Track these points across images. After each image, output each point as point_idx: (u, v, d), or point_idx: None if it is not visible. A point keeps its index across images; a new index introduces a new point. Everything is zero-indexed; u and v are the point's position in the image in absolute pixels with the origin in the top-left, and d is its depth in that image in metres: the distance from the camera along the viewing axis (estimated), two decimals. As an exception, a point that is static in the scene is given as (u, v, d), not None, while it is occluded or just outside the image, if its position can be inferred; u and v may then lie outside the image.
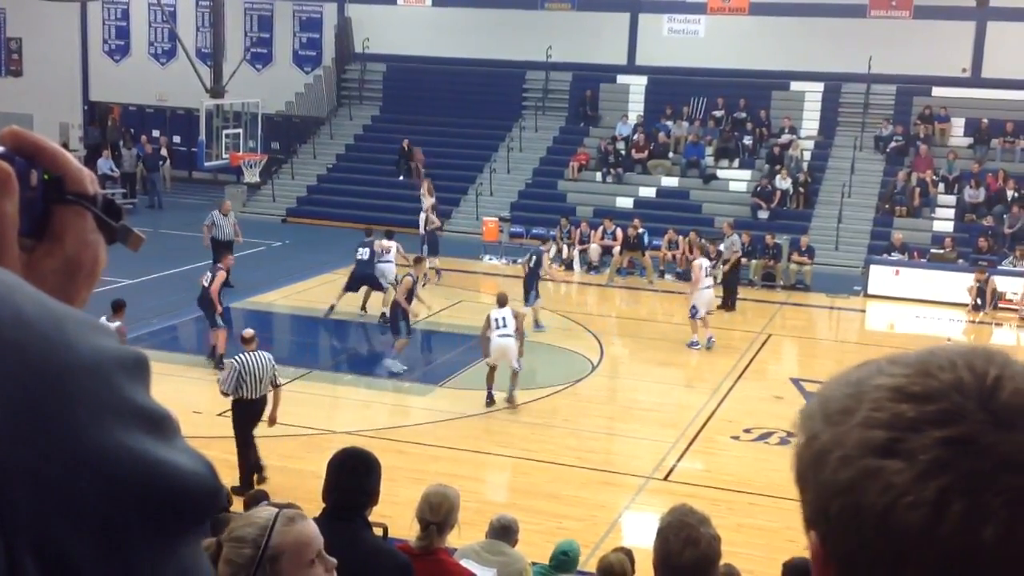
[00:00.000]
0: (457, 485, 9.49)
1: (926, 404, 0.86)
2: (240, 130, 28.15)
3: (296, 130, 32.66)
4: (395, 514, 7.03)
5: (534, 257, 18.89)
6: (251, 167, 28.31)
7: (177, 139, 34.24)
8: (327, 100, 33.77)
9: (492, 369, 14.48)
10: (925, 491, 0.83)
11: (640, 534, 9.40)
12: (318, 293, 20.42)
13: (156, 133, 34.27)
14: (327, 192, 29.96)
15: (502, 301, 14.78)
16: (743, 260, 23.42)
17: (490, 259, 25.10)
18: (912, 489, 0.84)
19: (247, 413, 11.57)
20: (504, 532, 7.15)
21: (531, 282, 18.63)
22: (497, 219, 25.89)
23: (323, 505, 4.59)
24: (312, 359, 17.07)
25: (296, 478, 11.34)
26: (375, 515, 4.77)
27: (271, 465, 11.93)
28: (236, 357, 11.68)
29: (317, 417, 14.01)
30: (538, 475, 12.39)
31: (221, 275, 16.25)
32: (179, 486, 0.79)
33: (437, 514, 5.27)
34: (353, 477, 4.59)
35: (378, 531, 6.09)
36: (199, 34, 33.99)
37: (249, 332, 12.11)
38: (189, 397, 13.43)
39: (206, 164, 28.08)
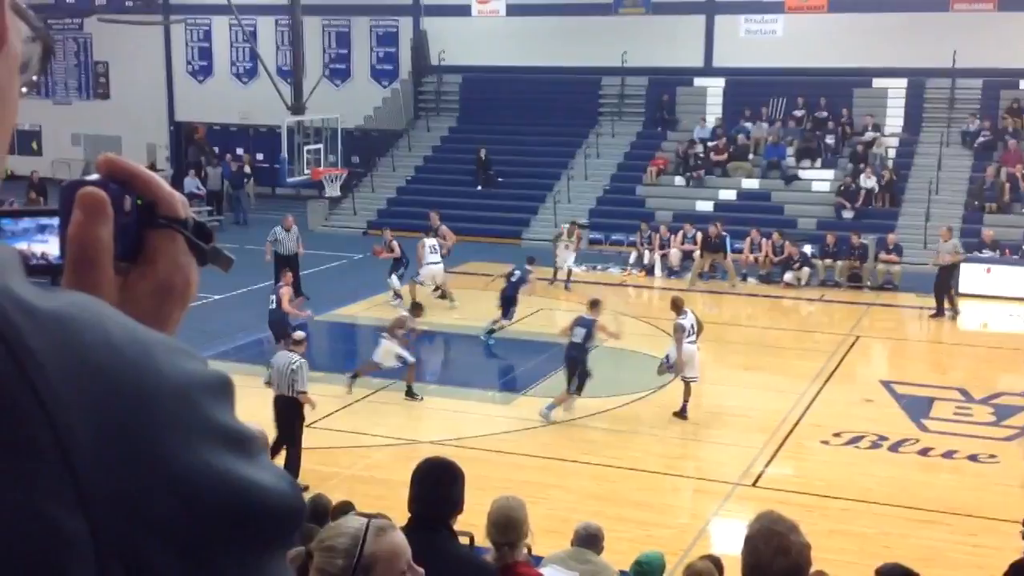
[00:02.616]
0: (542, 494, 9.47)
1: None
2: (320, 145, 28.59)
3: (375, 144, 33.04)
4: (481, 523, 7.00)
5: (517, 273, 18.68)
6: (332, 181, 28.72)
7: (260, 156, 34.87)
8: (404, 113, 34.10)
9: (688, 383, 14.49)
10: None
11: (728, 542, 9.26)
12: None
13: (240, 151, 34.95)
14: (407, 204, 30.19)
15: (679, 305, 14.85)
16: (829, 261, 23.06)
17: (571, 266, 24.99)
18: None
19: (274, 408, 12.12)
20: (590, 540, 7.12)
21: (509, 299, 18.30)
22: (576, 226, 25.81)
23: (408, 515, 4.60)
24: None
25: (384, 488, 11.42)
26: (461, 524, 4.76)
27: (359, 476, 12.03)
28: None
29: (402, 427, 14.12)
30: (624, 483, 12.30)
31: (285, 291, 16.62)
32: (262, 503, 0.81)
33: (505, 534, 5.23)
34: (438, 487, 4.59)
35: (464, 540, 6.10)
36: (279, 52, 34.63)
37: (299, 335, 12.84)
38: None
39: (289, 180, 28.57)
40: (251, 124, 35.59)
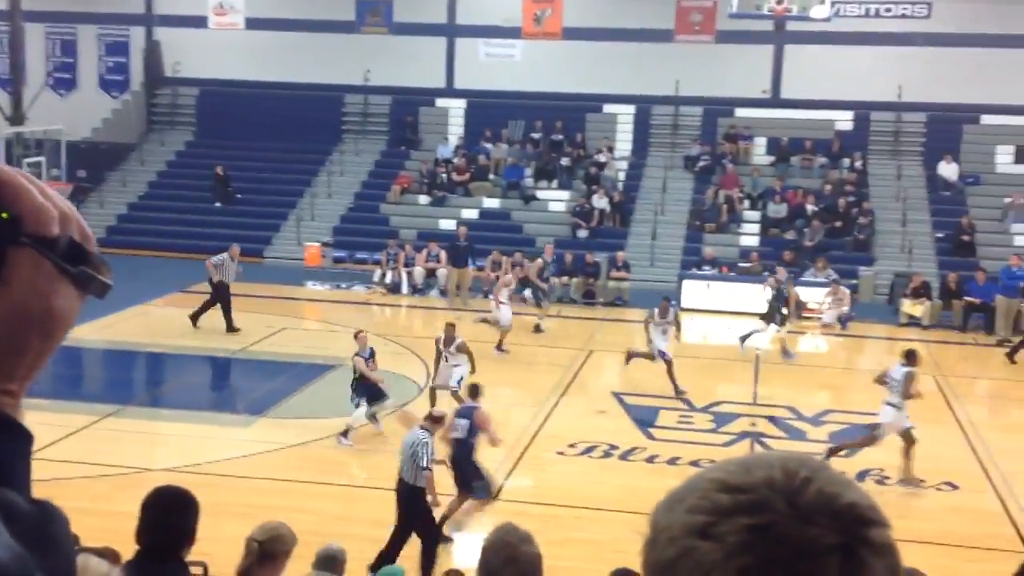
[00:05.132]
0: (284, 518, 9.28)
1: (740, 495, 0.98)
2: (42, 158, 26.90)
3: (104, 157, 31.39)
4: (217, 551, 6.83)
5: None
6: (56, 196, 27.04)
7: (-26, 168, 32.35)
8: (136, 126, 32.65)
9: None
10: (728, 569, 0.95)
11: (470, 555, 9.44)
12: (131, 325, 19.66)
13: (-50, 162, 32.29)
14: (140, 220, 28.92)
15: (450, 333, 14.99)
16: (566, 279, 23.96)
17: (313, 285, 24.78)
18: (718, 567, 0.95)
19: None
20: (329, 562, 7.07)
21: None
22: (319, 244, 25.61)
23: (137, 547, 4.44)
24: (125, 394, 16.41)
25: (110, 520, 10.85)
26: (196, 554, 4.63)
27: (81, 508, 11.37)
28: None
29: (131, 455, 13.47)
30: (368, 503, 12.27)
31: (358, 361, 15.41)
32: None
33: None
34: (168, 516, 4.46)
35: (196, 571, 5.92)
36: (-3, 59, 32.34)
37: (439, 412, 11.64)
38: None
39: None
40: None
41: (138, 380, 18.47)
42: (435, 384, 15.49)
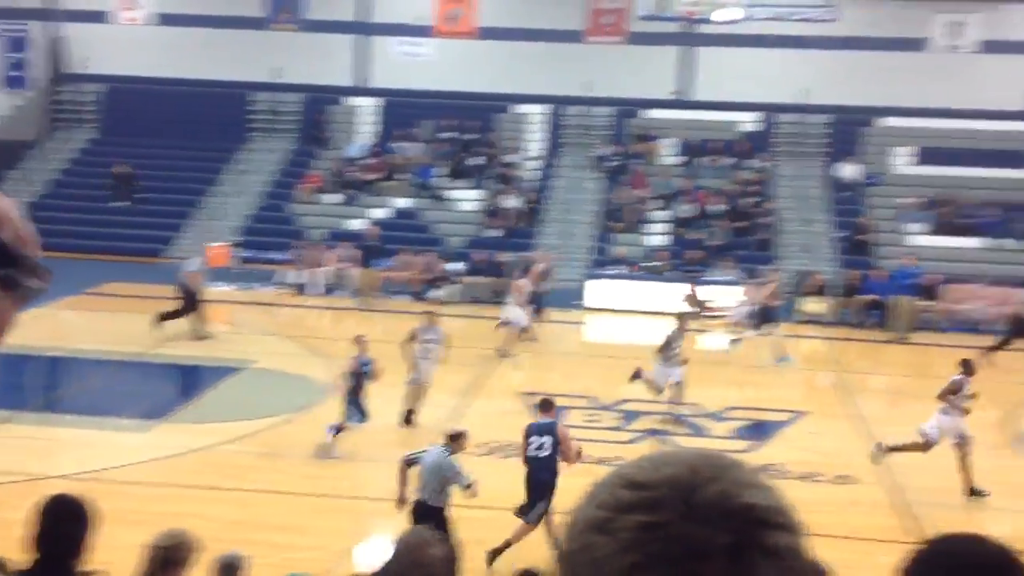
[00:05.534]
0: (183, 524, 9.12)
1: (641, 492, 0.99)
2: (-64, 155, 26.01)
3: (2, 155, 30.47)
4: (116, 559, 6.66)
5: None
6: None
7: None
8: (38, 123, 31.75)
9: None
10: (617, 565, 0.96)
11: (376, 558, 9.37)
12: (30, 329, 19.09)
13: None
14: (41, 220, 27.85)
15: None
16: (476, 278, 23.93)
17: (219, 286, 24.31)
18: (609, 562, 0.96)
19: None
20: (227, 570, 6.97)
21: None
22: (226, 244, 25.20)
23: (31, 557, 4.34)
24: (19, 400, 15.93)
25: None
26: (95, 562, 4.53)
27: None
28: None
29: (23, 462, 13.09)
30: (269, 507, 12.11)
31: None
32: None
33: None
34: (62, 525, 4.38)
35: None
36: None
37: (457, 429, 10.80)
38: None
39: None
40: None
41: (34, 386, 17.93)
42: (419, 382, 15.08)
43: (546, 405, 11.64)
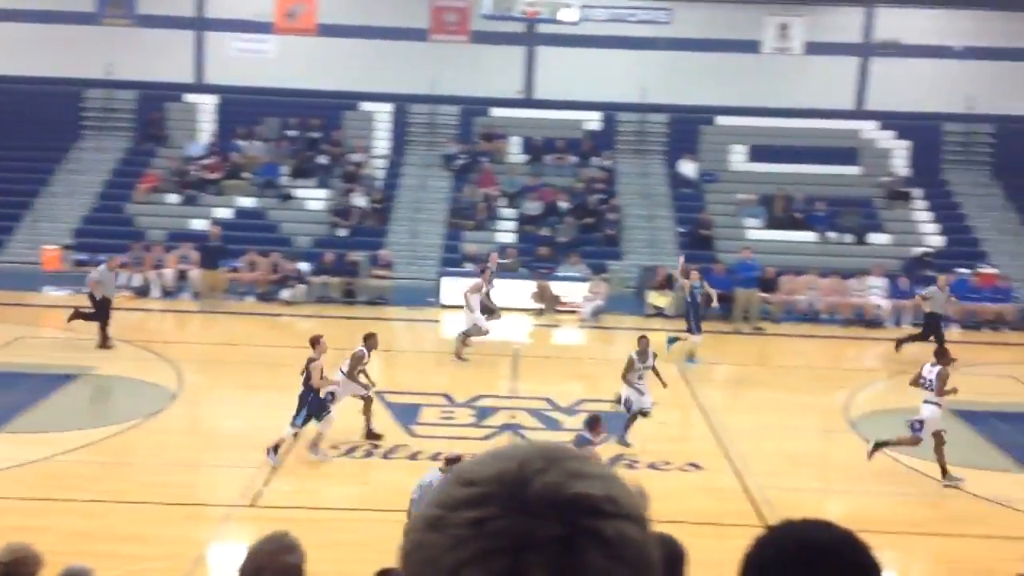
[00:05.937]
0: (24, 537, 8.70)
1: (471, 488, 0.99)
2: None
3: None
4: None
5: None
6: None
7: None
8: None
9: None
10: (448, 562, 0.96)
11: (229, 566, 9.14)
12: None
13: None
14: None
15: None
16: (325, 278, 23.62)
17: (52, 290, 23.26)
18: (441, 559, 0.96)
19: None
20: (72, 583, 6.68)
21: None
22: (59, 246, 24.12)
23: None
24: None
25: None
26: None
27: None
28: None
29: None
30: (113, 516, 11.66)
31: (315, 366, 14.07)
32: None
33: None
34: None
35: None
36: None
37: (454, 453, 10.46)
38: None
39: None
40: None
41: None
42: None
43: (593, 422, 11.50)
